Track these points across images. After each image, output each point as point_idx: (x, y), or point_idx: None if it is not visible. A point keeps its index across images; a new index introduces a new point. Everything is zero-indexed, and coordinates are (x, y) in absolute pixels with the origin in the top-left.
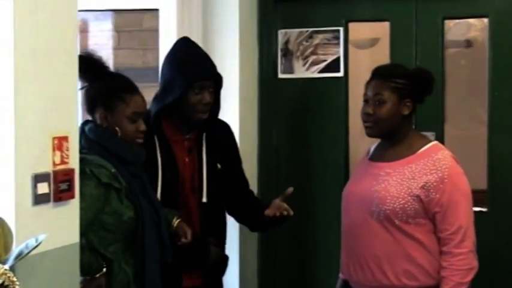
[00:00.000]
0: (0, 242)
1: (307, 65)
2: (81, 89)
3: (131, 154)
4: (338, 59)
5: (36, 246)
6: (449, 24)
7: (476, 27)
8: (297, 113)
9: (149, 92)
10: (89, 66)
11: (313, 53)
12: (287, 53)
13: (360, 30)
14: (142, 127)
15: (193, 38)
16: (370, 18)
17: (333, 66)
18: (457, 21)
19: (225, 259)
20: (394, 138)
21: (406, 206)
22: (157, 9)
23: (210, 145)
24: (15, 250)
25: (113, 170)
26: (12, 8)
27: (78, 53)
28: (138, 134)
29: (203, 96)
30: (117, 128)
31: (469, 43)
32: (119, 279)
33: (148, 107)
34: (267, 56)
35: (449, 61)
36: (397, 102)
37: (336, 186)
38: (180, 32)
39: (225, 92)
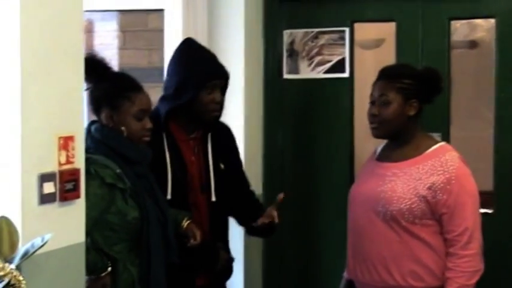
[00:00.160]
0: (6, 242)
1: (312, 65)
2: (86, 90)
3: (137, 154)
4: (343, 59)
5: (42, 245)
6: (456, 24)
7: (482, 28)
8: (302, 113)
9: (155, 92)
10: (93, 67)
11: (318, 53)
12: (292, 54)
13: (365, 31)
14: (149, 125)
15: (199, 38)
16: (375, 18)
17: (339, 66)
18: (463, 21)
19: (232, 264)
20: (401, 138)
21: (412, 206)
22: (162, 10)
23: (214, 145)
24: (21, 249)
25: (117, 170)
26: (19, 9)
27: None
28: (145, 132)
29: (215, 95)
30: (123, 128)
31: (475, 44)
32: (123, 279)
33: (152, 107)
34: (272, 57)
35: (455, 62)
36: (403, 102)
37: (341, 186)
38: (186, 32)
39: (230, 93)
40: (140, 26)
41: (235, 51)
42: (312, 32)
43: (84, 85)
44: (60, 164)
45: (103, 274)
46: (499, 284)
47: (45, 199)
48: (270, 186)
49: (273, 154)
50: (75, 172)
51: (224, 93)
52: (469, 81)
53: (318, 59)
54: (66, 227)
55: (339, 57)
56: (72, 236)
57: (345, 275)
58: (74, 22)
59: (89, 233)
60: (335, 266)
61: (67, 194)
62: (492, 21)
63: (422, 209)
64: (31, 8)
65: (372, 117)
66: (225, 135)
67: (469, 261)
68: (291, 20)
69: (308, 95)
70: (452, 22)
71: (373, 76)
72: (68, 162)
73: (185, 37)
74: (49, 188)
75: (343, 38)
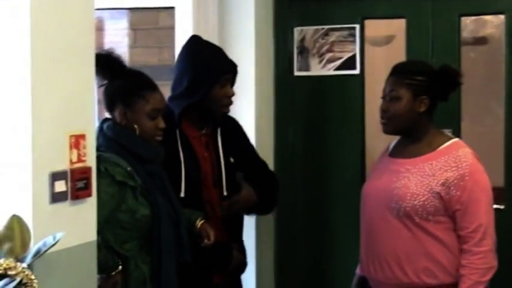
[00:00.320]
0: (18, 240)
1: (323, 62)
2: (100, 86)
3: (149, 152)
4: (354, 56)
5: (54, 244)
6: (466, 21)
7: (492, 24)
8: (313, 110)
9: (165, 90)
10: (108, 64)
11: (329, 50)
12: (303, 51)
13: (375, 27)
14: (162, 124)
15: (209, 36)
16: (386, 15)
17: (349, 63)
18: (473, 18)
19: (245, 264)
20: (413, 135)
21: (426, 203)
22: (173, 7)
23: (224, 139)
24: (33, 248)
25: (128, 168)
26: (29, 7)
27: (95, 51)
28: (157, 131)
29: (227, 89)
30: (135, 126)
31: (485, 40)
32: (135, 277)
33: None
34: (283, 54)
35: (465, 58)
36: (412, 99)
37: (352, 183)
38: (196, 30)
39: (241, 90)
40: (151, 24)
41: (246, 49)
42: (323, 29)
43: (95, 83)
44: (71, 163)
45: (114, 272)
46: (510, 280)
47: (56, 198)
48: (281, 184)
49: (284, 151)
50: (87, 170)
51: (233, 86)
52: (479, 77)
53: (328, 56)
54: (78, 225)
55: (350, 54)
56: (83, 235)
57: (358, 271)
58: (85, 20)
59: (99, 231)
60: (347, 262)
61: (78, 192)
62: (502, 17)
63: (436, 206)
64: (42, 6)
65: (382, 112)
66: (233, 127)
67: (483, 257)
68: (301, 17)
69: (319, 92)
70: (463, 18)
71: (383, 73)
72: (80, 160)
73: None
74: (60, 186)
75: (353, 35)
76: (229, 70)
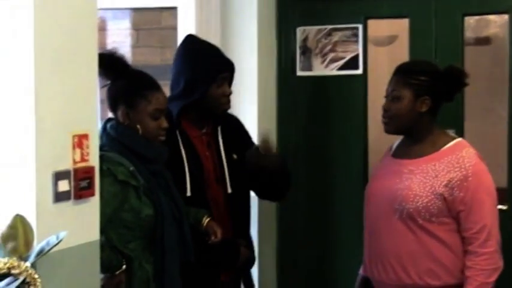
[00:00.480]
0: (21, 239)
1: (325, 62)
2: (103, 87)
3: (152, 152)
4: (357, 56)
5: (57, 243)
6: (469, 20)
7: (496, 24)
8: (316, 110)
9: (168, 90)
10: (111, 64)
11: (331, 50)
12: (306, 51)
13: (378, 27)
14: (165, 124)
15: (212, 36)
16: (389, 15)
17: (352, 63)
18: (477, 17)
19: (253, 259)
20: (415, 135)
21: (429, 204)
22: (175, 7)
23: (225, 137)
24: (36, 247)
25: (131, 168)
26: (32, 7)
27: (98, 51)
28: (160, 131)
29: (225, 88)
30: (138, 126)
31: (488, 40)
32: (138, 277)
33: None
34: (285, 54)
35: (468, 58)
36: (413, 99)
37: (355, 183)
38: (199, 29)
39: (244, 90)
40: (153, 24)
41: (249, 49)
42: (325, 29)
43: (98, 83)
44: (74, 162)
45: (118, 272)
46: None
47: (59, 197)
48: None
49: (286, 151)
50: (90, 170)
51: (231, 85)
52: (482, 77)
53: (331, 56)
54: (81, 224)
55: (352, 54)
56: (87, 234)
57: (361, 272)
58: (88, 20)
59: (103, 230)
60: (349, 262)
61: (82, 192)
62: (505, 17)
63: (439, 207)
64: (45, 6)
65: (384, 111)
66: (233, 125)
67: (488, 258)
68: (304, 17)
69: (321, 92)
70: (466, 18)
71: (386, 73)
72: (83, 160)
73: (197, 35)
74: (64, 186)
75: (356, 35)
76: (226, 69)
